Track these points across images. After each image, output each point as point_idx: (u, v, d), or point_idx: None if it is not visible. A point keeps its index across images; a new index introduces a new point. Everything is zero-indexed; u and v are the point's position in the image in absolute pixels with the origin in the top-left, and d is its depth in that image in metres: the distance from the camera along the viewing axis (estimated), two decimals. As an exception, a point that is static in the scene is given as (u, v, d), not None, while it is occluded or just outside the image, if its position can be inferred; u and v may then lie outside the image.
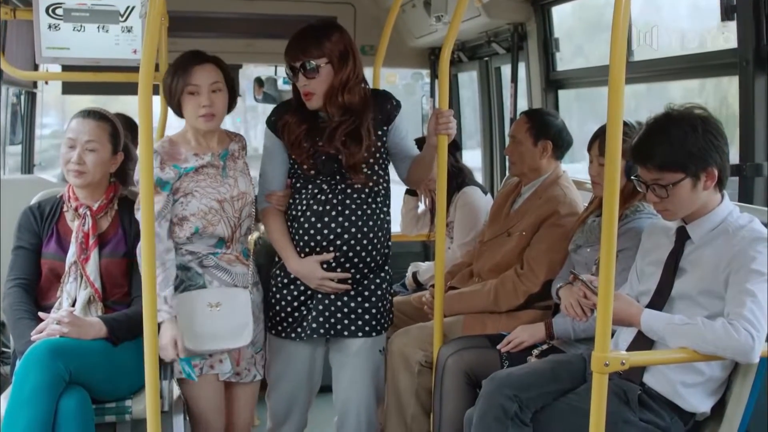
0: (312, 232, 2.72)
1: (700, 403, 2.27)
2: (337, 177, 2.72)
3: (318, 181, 2.73)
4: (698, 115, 2.22)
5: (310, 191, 2.73)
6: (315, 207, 2.71)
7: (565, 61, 4.00)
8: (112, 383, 2.58)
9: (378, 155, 2.74)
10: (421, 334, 3.01)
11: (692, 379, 2.25)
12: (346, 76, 2.67)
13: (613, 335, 2.28)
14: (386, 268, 2.83)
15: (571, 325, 2.65)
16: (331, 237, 2.70)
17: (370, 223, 2.73)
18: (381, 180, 2.77)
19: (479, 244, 3.32)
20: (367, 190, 2.73)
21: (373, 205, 2.75)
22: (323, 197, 2.71)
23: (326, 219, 2.70)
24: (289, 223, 2.78)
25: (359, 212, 2.72)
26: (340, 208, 2.70)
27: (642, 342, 2.28)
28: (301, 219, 2.73)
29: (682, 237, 2.30)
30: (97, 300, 2.67)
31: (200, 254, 2.70)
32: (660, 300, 2.29)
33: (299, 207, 2.75)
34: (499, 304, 3.01)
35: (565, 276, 2.75)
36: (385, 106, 2.76)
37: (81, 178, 2.70)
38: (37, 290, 2.72)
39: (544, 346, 2.71)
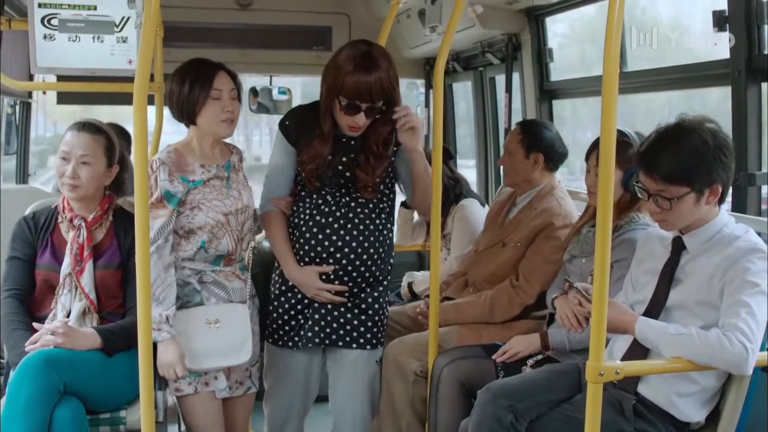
0: (313, 242, 2.72)
1: (694, 413, 2.27)
2: (342, 190, 2.72)
3: (323, 192, 2.73)
4: (710, 129, 2.21)
5: (314, 201, 2.74)
6: (318, 218, 2.72)
7: (592, 62, 3.92)
8: (107, 394, 2.57)
9: (384, 174, 2.75)
10: (416, 344, 3.01)
11: (687, 389, 2.25)
12: (391, 115, 2.67)
13: (607, 344, 2.29)
14: (385, 282, 2.82)
15: (567, 336, 2.65)
16: (332, 250, 2.70)
17: (371, 238, 2.73)
18: (385, 198, 2.78)
19: (474, 253, 3.32)
20: (371, 206, 2.74)
21: (377, 221, 2.75)
22: (327, 209, 2.72)
23: (328, 231, 2.70)
24: (290, 231, 2.78)
25: (361, 227, 2.72)
26: (342, 221, 2.71)
27: (637, 351, 2.28)
28: (303, 229, 2.74)
29: (678, 247, 2.31)
30: (92, 312, 2.66)
31: (200, 270, 2.68)
32: (655, 309, 2.29)
33: (302, 216, 2.75)
34: (495, 315, 3.02)
35: (560, 285, 2.75)
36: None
37: (75, 191, 2.69)
38: (31, 301, 2.71)
39: (539, 356, 2.71)
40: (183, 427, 2.84)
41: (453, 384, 2.71)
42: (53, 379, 2.37)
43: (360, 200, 2.73)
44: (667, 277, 2.30)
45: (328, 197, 2.73)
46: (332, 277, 2.72)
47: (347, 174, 2.71)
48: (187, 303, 2.66)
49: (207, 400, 2.68)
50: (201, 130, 2.68)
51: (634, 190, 2.54)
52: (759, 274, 2.13)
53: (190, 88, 2.62)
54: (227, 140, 2.81)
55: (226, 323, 2.65)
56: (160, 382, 2.63)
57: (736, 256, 2.17)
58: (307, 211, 2.74)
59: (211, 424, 2.70)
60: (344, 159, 2.71)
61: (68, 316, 2.64)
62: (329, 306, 2.74)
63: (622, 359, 2.28)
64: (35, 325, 2.58)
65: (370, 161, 2.70)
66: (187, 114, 2.66)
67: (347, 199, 2.73)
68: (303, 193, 2.78)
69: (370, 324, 2.77)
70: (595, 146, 2.73)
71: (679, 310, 2.25)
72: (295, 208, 2.79)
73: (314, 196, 2.74)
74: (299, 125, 2.76)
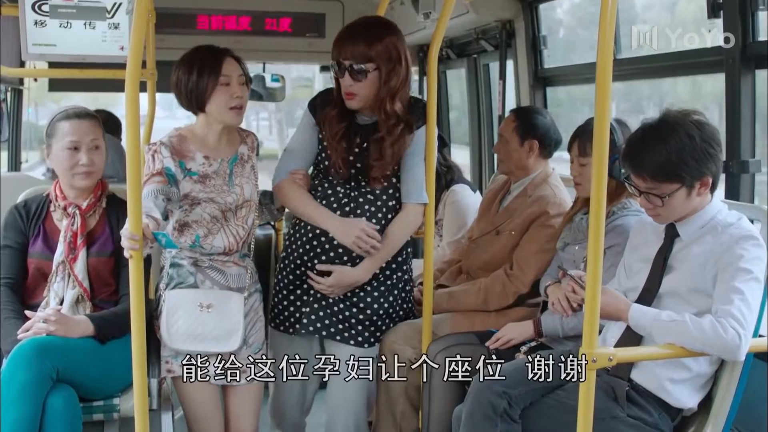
0: (317, 231, 2.70)
1: (687, 399, 2.28)
2: (352, 183, 2.70)
3: (334, 183, 2.71)
4: (695, 121, 2.20)
5: (324, 192, 2.72)
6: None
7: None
8: (100, 381, 2.57)
9: (396, 167, 2.72)
10: (409, 331, 3.01)
11: (679, 375, 2.26)
12: (395, 84, 2.61)
13: (600, 331, 2.29)
14: (389, 283, 2.79)
15: (560, 323, 2.65)
16: (334, 242, 2.69)
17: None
18: (396, 193, 2.75)
19: (468, 241, 3.32)
20: (378, 203, 2.71)
21: (383, 221, 2.73)
22: (335, 202, 2.70)
23: None
24: (298, 221, 2.77)
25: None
26: (350, 217, 2.69)
27: (630, 338, 2.28)
28: None
29: (671, 234, 2.31)
30: (85, 299, 2.65)
31: (194, 257, 2.67)
32: (648, 296, 2.30)
33: None
34: (489, 304, 3.01)
35: (553, 273, 2.76)
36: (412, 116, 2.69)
37: (90, 178, 2.70)
38: (23, 289, 2.70)
39: (533, 343, 2.71)
40: (177, 415, 2.84)
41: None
42: (46, 366, 2.37)
43: (368, 196, 2.71)
44: (660, 264, 2.30)
45: (338, 188, 2.71)
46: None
47: (358, 165, 2.68)
48: (180, 284, 2.65)
49: (200, 384, 2.65)
50: (209, 118, 2.64)
51: (618, 176, 2.54)
52: (752, 261, 2.14)
53: (198, 75, 2.57)
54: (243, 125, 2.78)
55: (219, 310, 2.62)
56: (154, 369, 2.63)
57: (730, 243, 2.17)
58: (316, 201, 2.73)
59: (207, 411, 2.69)
60: (356, 150, 2.68)
61: (61, 303, 2.63)
62: (330, 299, 2.72)
63: (616, 346, 2.28)
64: (28, 313, 2.58)
65: (385, 145, 2.64)
66: (196, 102, 2.61)
67: (356, 193, 2.70)
68: (316, 182, 2.76)
69: (368, 323, 2.75)
70: (576, 136, 2.72)
71: (671, 297, 2.26)
72: None
73: (325, 185, 2.72)
74: (323, 103, 2.74)
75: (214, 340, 2.62)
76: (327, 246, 2.71)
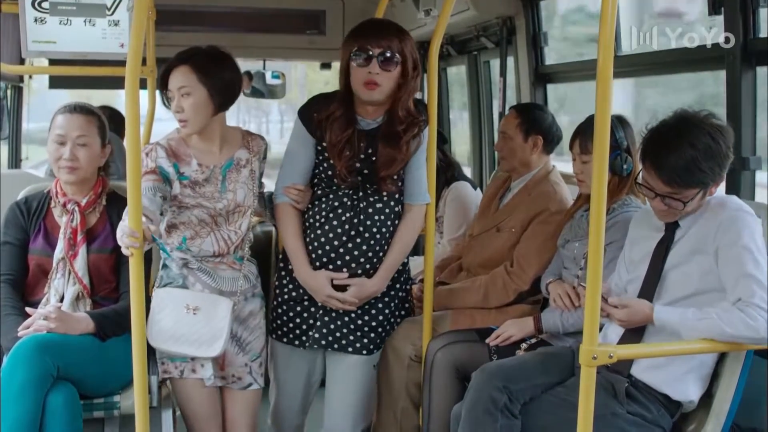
0: (327, 248, 2.66)
1: (690, 391, 2.28)
2: (360, 193, 2.66)
3: (340, 194, 2.66)
4: (718, 126, 2.20)
5: (330, 202, 2.67)
6: (334, 222, 2.65)
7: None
8: (101, 379, 2.57)
9: (402, 171, 2.71)
10: (410, 328, 3.01)
11: (684, 365, 2.26)
12: (414, 85, 2.61)
13: (601, 329, 2.29)
14: (398, 286, 2.78)
15: (560, 320, 2.65)
16: (347, 258, 2.66)
17: (387, 247, 2.70)
18: (401, 195, 2.73)
19: (469, 238, 3.32)
20: (387, 210, 2.69)
21: (392, 228, 2.71)
22: (342, 213, 2.65)
23: (344, 238, 2.65)
24: (304, 230, 2.71)
25: (378, 236, 2.67)
26: (361, 228, 2.65)
27: (632, 335, 2.28)
28: (318, 231, 2.67)
29: (672, 226, 2.31)
30: (85, 296, 2.65)
31: (184, 258, 2.65)
32: (650, 287, 2.30)
33: (317, 217, 2.68)
34: (489, 301, 3.01)
35: (554, 270, 2.76)
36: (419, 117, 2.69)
37: (74, 174, 2.68)
38: (24, 286, 2.70)
39: (533, 340, 2.72)
40: (178, 413, 2.84)
41: (447, 368, 2.71)
42: (46, 363, 2.37)
43: (377, 204, 2.67)
44: (662, 254, 2.31)
45: (345, 199, 2.66)
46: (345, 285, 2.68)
47: (365, 172, 2.64)
48: (169, 283, 2.64)
49: (197, 386, 2.65)
50: None
51: (621, 172, 2.54)
52: (751, 237, 2.16)
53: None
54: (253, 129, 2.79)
55: (205, 313, 2.57)
56: (154, 367, 2.63)
57: (726, 214, 2.19)
58: (323, 213, 2.67)
59: (204, 413, 2.67)
60: (362, 156, 2.64)
61: (61, 300, 2.63)
62: (340, 311, 2.69)
63: (619, 343, 2.28)
64: (28, 310, 2.58)
65: (401, 143, 2.62)
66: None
67: (364, 204, 2.66)
68: (319, 192, 2.70)
69: (379, 329, 2.74)
70: (577, 133, 2.72)
71: (673, 280, 2.26)
72: (310, 206, 2.71)
73: (330, 196, 2.67)
74: (321, 107, 2.67)
75: (196, 344, 2.57)
76: (333, 255, 2.66)
